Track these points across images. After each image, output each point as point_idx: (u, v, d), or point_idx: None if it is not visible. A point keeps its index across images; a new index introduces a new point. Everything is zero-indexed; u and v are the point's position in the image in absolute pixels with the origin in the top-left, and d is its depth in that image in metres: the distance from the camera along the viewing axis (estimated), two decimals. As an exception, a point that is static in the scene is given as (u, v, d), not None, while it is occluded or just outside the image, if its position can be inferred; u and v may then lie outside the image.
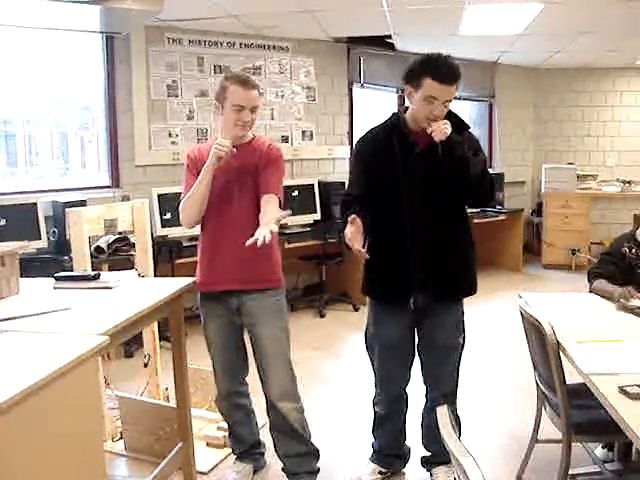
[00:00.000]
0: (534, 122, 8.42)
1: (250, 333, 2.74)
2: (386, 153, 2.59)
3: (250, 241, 2.32)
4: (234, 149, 2.56)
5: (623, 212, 8.15)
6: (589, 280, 3.17)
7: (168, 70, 5.40)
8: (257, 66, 5.92)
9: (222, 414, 2.94)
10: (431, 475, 2.85)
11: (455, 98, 2.51)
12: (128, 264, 4.38)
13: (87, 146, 5.45)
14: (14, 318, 2.05)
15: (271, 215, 2.47)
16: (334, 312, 5.88)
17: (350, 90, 6.75)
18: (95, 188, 5.14)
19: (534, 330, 2.57)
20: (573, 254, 7.44)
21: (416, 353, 2.77)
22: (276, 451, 2.82)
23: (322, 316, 5.75)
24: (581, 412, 2.49)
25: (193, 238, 5.09)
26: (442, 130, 2.41)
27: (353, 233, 2.40)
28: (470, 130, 2.67)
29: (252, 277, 2.66)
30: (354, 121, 6.86)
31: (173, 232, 4.94)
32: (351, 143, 6.77)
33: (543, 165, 7.96)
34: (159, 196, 5.01)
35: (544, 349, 2.48)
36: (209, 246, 2.71)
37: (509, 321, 3.95)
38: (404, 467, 2.98)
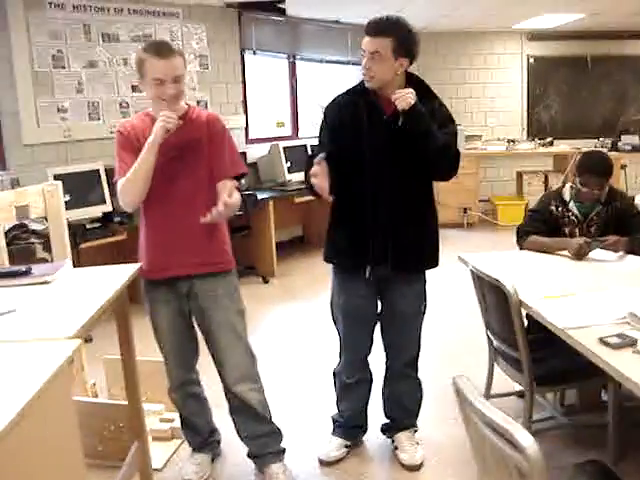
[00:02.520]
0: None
1: (201, 319, 2.59)
2: (352, 118, 2.51)
3: (205, 219, 2.32)
4: (180, 121, 2.36)
5: (506, 170, 8.61)
6: (519, 237, 3.28)
7: (52, 39, 4.91)
8: (147, 34, 5.54)
9: (176, 406, 2.77)
10: (393, 442, 2.86)
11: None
12: (28, 253, 4.04)
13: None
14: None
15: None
16: (243, 285, 5.69)
17: (242, 57, 6.53)
18: (-23, 172, 4.63)
19: (492, 289, 2.62)
20: (465, 212, 7.76)
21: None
22: (239, 434, 2.71)
23: (233, 290, 5.58)
24: (538, 365, 2.57)
25: (94, 220, 4.78)
26: (406, 99, 2.36)
27: (320, 172, 2.35)
28: (441, 101, 2.59)
29: (203, 260, 2.50)
30: (247, 89, 6.67)
31: (74, 215, 4.57)
32: (246, 112, 6.59)
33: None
34: (55, 177, 4.58)
35: (503, 308, 2.54)
36: (154, 230, 2.50)
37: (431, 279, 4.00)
38: (363, 437, 2.97)
